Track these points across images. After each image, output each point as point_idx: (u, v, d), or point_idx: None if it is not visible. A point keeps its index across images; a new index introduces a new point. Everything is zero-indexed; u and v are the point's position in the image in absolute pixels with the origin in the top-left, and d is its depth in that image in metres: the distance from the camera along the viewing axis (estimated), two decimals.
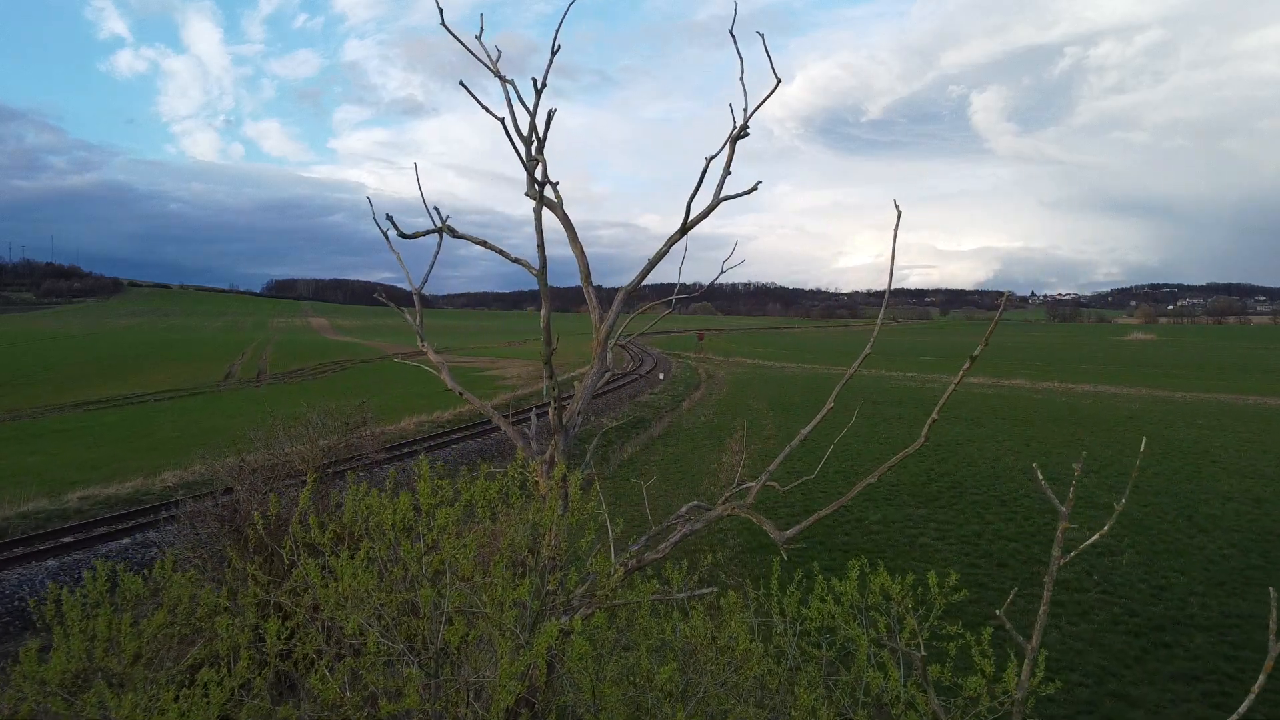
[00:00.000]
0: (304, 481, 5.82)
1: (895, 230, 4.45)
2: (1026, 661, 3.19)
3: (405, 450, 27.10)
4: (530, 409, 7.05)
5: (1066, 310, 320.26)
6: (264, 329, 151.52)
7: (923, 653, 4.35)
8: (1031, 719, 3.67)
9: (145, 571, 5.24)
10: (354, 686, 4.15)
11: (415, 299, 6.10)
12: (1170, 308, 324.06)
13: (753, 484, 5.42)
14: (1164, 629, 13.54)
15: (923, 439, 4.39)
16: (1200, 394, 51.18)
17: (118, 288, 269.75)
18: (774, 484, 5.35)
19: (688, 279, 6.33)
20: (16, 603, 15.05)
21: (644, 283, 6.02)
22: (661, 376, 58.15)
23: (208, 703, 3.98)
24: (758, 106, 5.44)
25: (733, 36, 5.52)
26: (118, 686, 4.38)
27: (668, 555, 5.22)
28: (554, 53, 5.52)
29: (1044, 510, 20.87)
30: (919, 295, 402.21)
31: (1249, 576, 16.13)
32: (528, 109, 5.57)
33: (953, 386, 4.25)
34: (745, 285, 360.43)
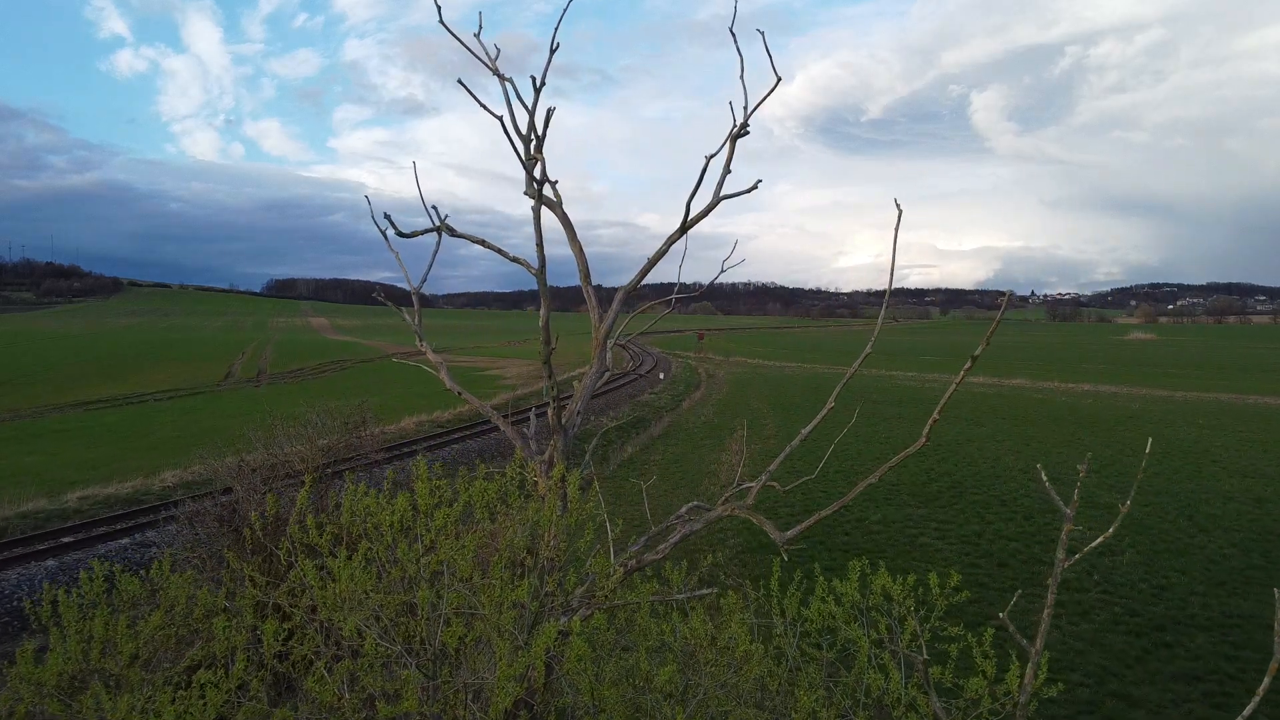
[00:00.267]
0: (303, 482, 5.80)
1: (896, 229, 4.43)
2: (1030, 665, 3.17)
3: (405, 450, 27.07)
4: (530, 409, 7.02)
5: (1067, 310, 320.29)
6: (264, 329, 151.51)
7: (924, 655, 4.33)
8: None
9: (144, 572, 5.22)
10: (352, 688, 4.13)
11: (414, 298, 6.08)
12: (1170, 307, 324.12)
13: (753, 484, 5.40)
14: (1165, 629, 13.51)
15: (923, 439, 4.37)
16: (1200, 393, 51.16)
17: (118, 287, 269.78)
18: (774, 484, 5.32)
19: (688, 278, 6.31)
20: (15, 603, 15.03)
21: (644, 282, 6.00)
22: (661, 376, 58.14)
23: (205, 704, 3.96)
24: (758, 105, 5.42)
25: (732, 35, 5.50)
26: (114, 688, 4.35)
27: (667, 556, 5.20)
28: (553, 51, 5.50)
29: (1044, 510, 20.85)
30: (919, 295, 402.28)
31: (1250, 576, 16.11)
32: (526, 107, 5.54)
33: (954, 386, 4.23)
34: (745, 285, 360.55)
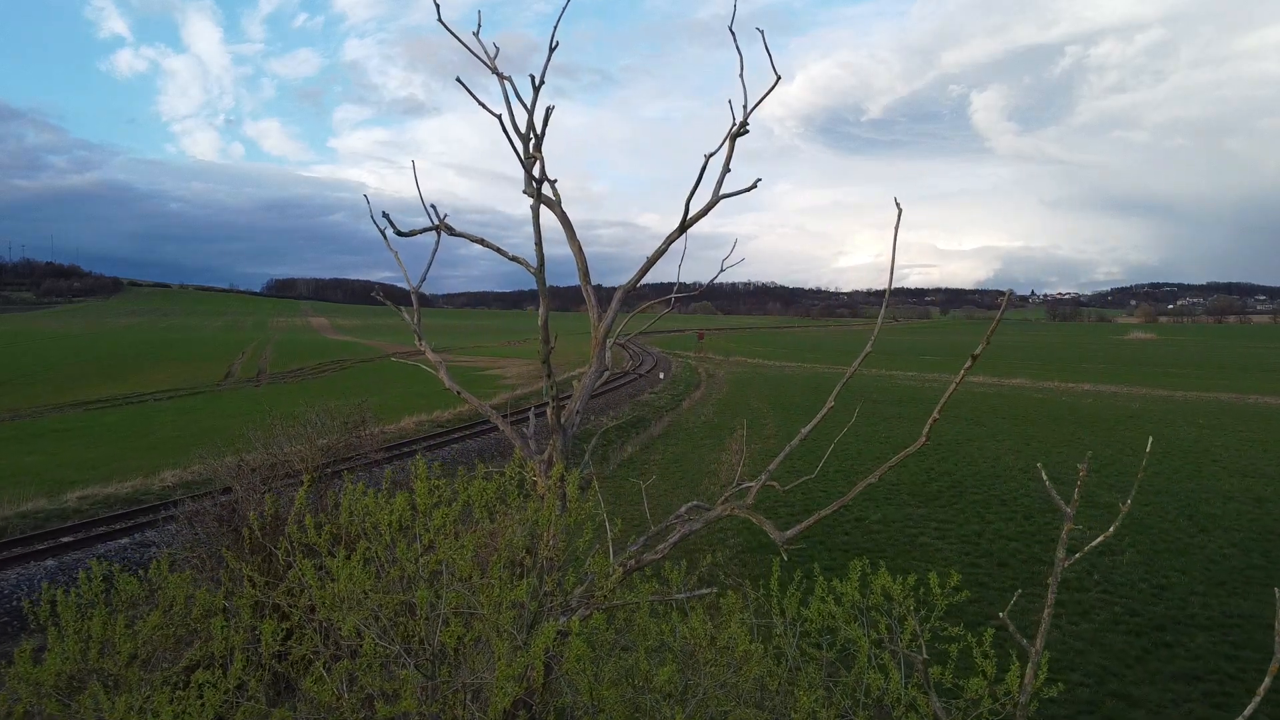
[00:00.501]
0: (303, 481, 5.79)
1: (896, 228, 4.42)
2: (1030, 665, 3.16)
3: (404, 450, 27.06)
4: (529, 408, 7.01)
5: (1067, 309, 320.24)
6: (264, 328, 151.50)
7: (924, 654, 4.32)
8: None
9: (143, 571, 5.21)
10: (350, 688, 4.12)
11: (413, 297, 6.07)
12: (1170, 307, 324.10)
13: (752, 484, 5.39)
14: (1165, 628, 13.51)
15: (923, 438, 4.36)
16: (1200, 393, 51.15)
17: (118, 287, 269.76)
18: (774, 484, 5.31)
19: (687, 278, 6.29)
20: (15, 603, 15.02)
21: (643, 282, 5.98)
22: (661, 376, 58.14)
23: (203, 704, 3.95)
24: (757, 103, 5.41)
25: (732, 34, 5.48)
26: (113, 688, 4.34)
27: (667, 555, 5.19)
28: (552, 49, 5.49)
29: (1044, 509, 20.84)
30: (919, 294, 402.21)
31: (1250, 576, 16.10)
32: (525, 106, 5.53)
33: (954, 386, 4.22)
34: (745, 284, 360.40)
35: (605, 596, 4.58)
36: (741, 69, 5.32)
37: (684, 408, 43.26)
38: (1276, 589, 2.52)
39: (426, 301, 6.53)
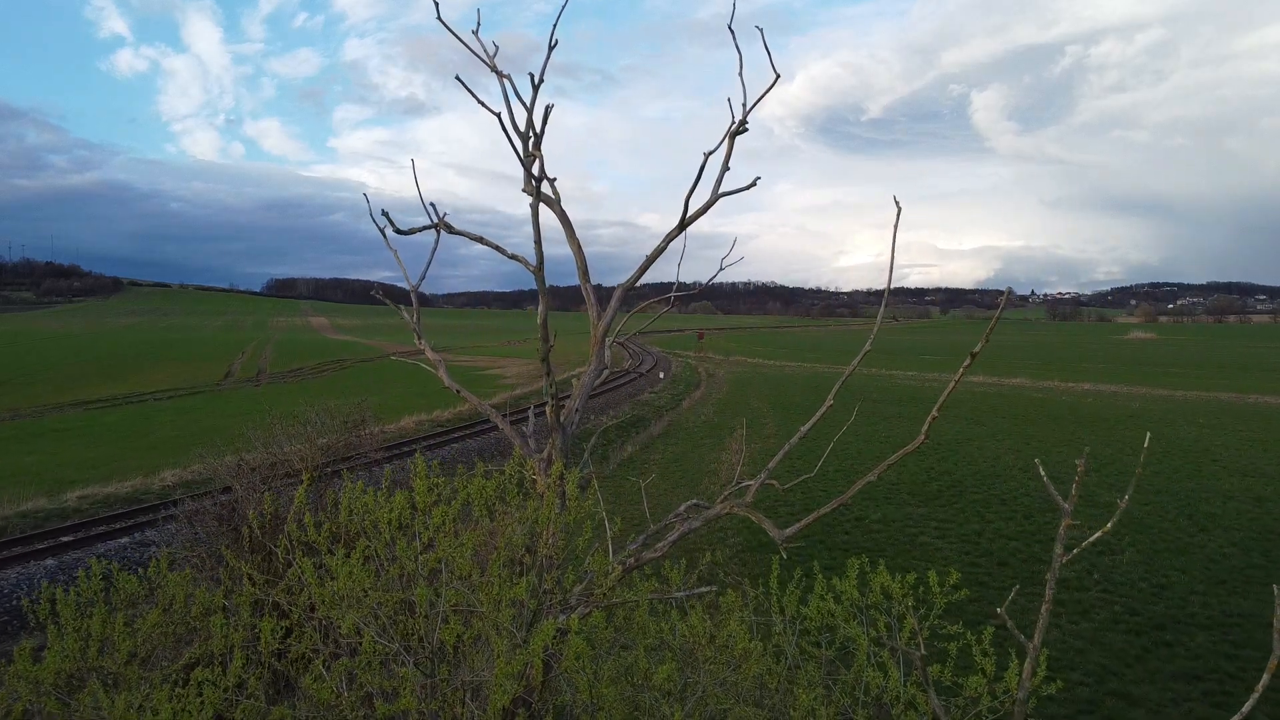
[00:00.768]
0: (303, 481, 5.80)
1: (895, 226, 4.41)
2: (1028, 660, 3.16)
3: (404, 449, 27.06)
4: (529, 407, 7.02)
5: (1067, 309, 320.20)
6: (264, 328, 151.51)
7: (922, 651, 4.32)
8: (1032, 719, 3.64)
9: (143, 570, 5.21)
10: (350, 686, 4.12)
11: (412, 296, 6.06)
12: (1170, 306, 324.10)
13: (752, 482, 5.39)
14: (1165, 628, 13.51)
15: (922, 436, 4.36)
16: (1201, 393, 51.15)
17: (118, 287, 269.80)
18: (773, 482, 5.31)
19: (687, 278, 6.30)
20: (14, 602, 15.02)
21: (643, 281, 5.98)
22: (661, 375, 58.15)
23: (202, 702, 3.95)
24: (757, 101, 5.40)
25: (731, 32, 5.48)
26: (112, 686, 4.35)
27: (666, 554, 5.19)
28: (551, 48, 5.49)
29: (1045, 509, 20.84)
30: (919, 294, 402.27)
31: (1250, 575, 16.10)
32: (525, 104, 5.53)
33: (953, 383, 4.22)
34: (745, 284, 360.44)
35: (605, 594, 4.58)
36: (741, 67, 5.32)
37: (684, 407, 43.26)
38: (1275, 586, 2.52)
39: (426, 301, 6.54)
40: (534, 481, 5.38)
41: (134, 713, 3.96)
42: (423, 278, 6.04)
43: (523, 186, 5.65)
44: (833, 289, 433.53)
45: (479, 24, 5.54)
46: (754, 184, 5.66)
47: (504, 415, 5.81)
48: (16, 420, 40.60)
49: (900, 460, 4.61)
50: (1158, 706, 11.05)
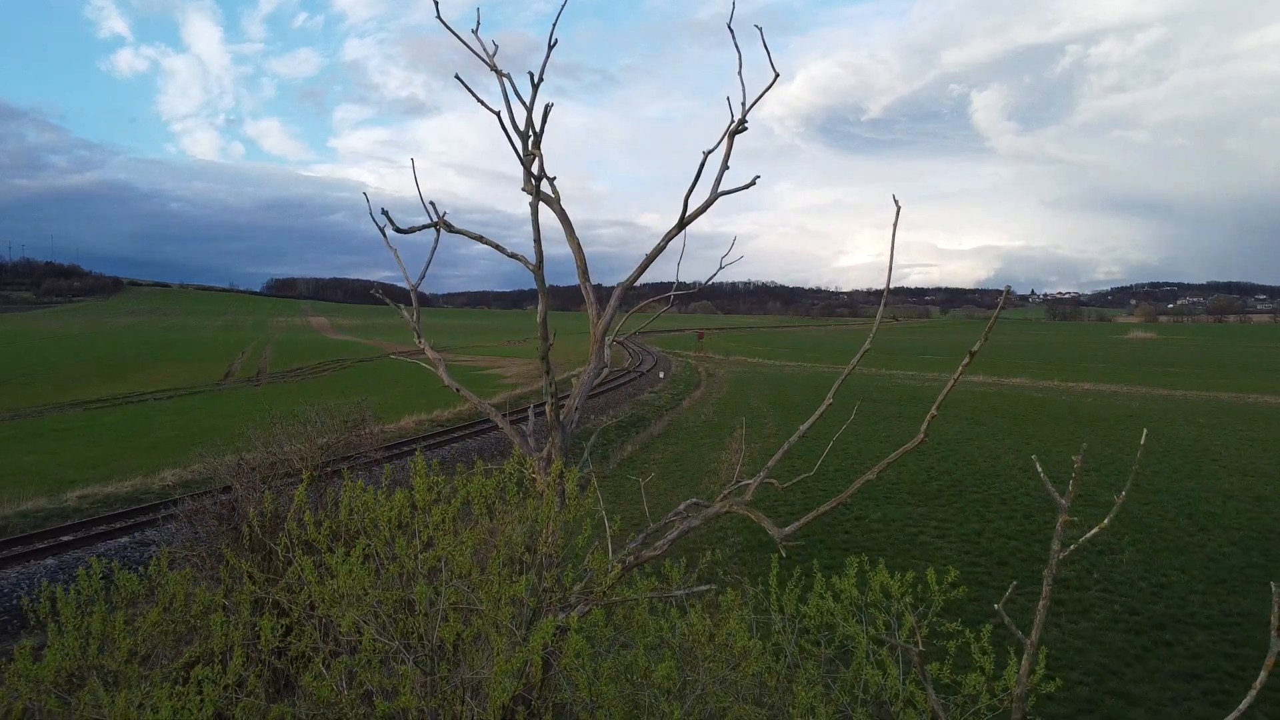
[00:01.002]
0: (303, 480, 5.80)
1: (894, 225, 4.42)
2: (1026, 656, 3.17)
3: (404, 449, 27.07)
4: (528, 407, 7.02)
5: (1067, 309, 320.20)
6: (264, 328, 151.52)
7: (921, 649, 4.33)
8: (1032, 718, 3.65)
9: (143, 569, 5.22)
10: (350, 684, 4.13)
11: (412, 295, 6.07)
12: (1170, 306, 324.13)
13: (751, 481, 5.40)
14: (1164, 627, 13.51)
15: (922, 435, 4.37)
16: (1201, 392, 51.14)
17: (118, 287, 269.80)
18: (773, 481, 5.32)
19: (687, 277, 6.32)
20: (15, 601, 15.03)
21: (642, 281, 5.99)
22: (661, 375, 58.15)
23: (202, 700, 3.96)
24: (756, 100, 5.42)
25: (731, 32, 5.49)
26: (112, 684, 4.35)
27: (666, 552, 5.20)
28: (551, 47, 5.50)
29: (1044, 508, 20.84)
30: (919, 294, 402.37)
31: (1249, 574, 16.10)
32: (524, 104, 5.54)
33: (952, 382, 4.22)
34: (745, 284, 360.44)
35: (604, 593, 4.58)
36: (740, 67, 5.33)
37: (684, 407, 43.26)
38: (1273, 584, 2.52)
39: (426, 301, 6.56)
40: (534, 480, 5.39)
41: (134, 711, 3.97)
42: (422, 277, 6.05)
43: (522, 185, 5.66)
44: (833, 289, 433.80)
45: (479, 24, 5.55)
46: (753, 183, 5.67)
47: (504, 414, 5.82)
48: (16, 420, 40.61)
49: (900, 459, 4.61)
50: (1157, 705, 11.06)
